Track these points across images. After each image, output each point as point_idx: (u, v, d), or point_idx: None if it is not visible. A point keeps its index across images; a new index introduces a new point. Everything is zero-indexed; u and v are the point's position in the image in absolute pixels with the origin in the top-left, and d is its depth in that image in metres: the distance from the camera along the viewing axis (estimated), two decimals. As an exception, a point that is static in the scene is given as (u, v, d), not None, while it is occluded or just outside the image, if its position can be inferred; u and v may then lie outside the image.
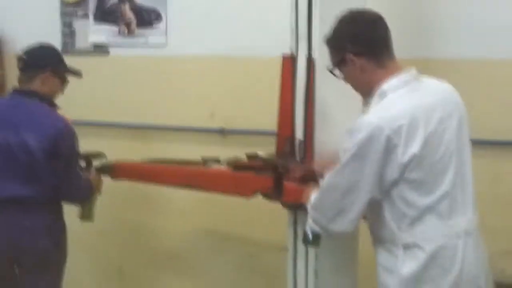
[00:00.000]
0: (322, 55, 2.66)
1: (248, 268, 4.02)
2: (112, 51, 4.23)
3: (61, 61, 3.16)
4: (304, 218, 2.50)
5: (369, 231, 2.36)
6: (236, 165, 2.98)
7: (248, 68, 3.84)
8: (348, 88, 2.66)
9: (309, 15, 2.71)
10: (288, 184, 2.66)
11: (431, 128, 2.13)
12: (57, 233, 3.11)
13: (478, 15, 3.31)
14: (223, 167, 3.10)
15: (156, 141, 4.14)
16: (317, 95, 2.71)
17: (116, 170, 3.38)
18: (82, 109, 4.21)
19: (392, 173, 2.10)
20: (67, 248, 3.24)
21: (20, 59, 3.10)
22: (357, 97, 2.66)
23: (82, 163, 3.38)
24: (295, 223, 2.80)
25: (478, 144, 3.12)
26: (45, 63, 3.06)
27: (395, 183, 2.12)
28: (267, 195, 2.86)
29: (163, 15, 4.03)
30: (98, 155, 3.48)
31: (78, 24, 4.28)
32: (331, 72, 2.37)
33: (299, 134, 2.78)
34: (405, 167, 2.09)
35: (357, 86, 2.34)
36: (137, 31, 4.11)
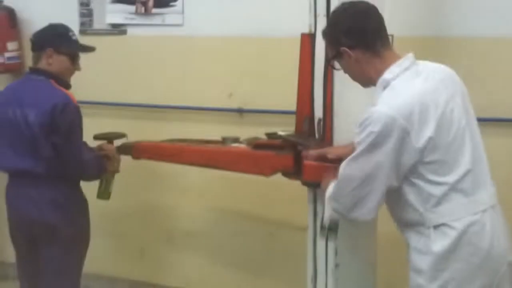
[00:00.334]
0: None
1: (268, 247, 4.05)
2: (129, 31, 4.24)
3: (64, 38, 3.17)
4: (323, 197, 2.50)
5: (391, 216, 2.38)
6: (256, 144, 2.99)
7: (266, 48, 3.83)
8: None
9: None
10: (308, 162, 2.66)
11: (440, 110, 2.14)
12: (67, 208, 3.15)
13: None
14: (242, 146, 3.11)
15: (174, 121, 4.16)
16: (335, 73, 2.70)
17: (136, 150, 3.39)
18: (99, 90, 4.24)
19: (409, 159, 2.12)
20: (85, 225, 3.29)
21: (30, 40, 3.22)
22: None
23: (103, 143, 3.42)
24: (315, 201, 2.80)
25: (491, 122, 3.14)
26: (45, 43, 3.13)
27: (414, 168, 2.14)
28: (287, 174, 2.88)
29: (179, -6, 4.03)
30: (120, 135, 3.51)
31: (95, 4, 4.29)
32: (330, 66, 2.42)
33: (318, 112, 2.77)
34: (422, 151, 2.11)
35: (355, 77, 2.36)
36: (154, 10, 4.10)
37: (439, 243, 2.17)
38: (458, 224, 2.16)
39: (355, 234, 2.78)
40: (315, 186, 2.71)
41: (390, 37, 2.33)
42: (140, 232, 4.41)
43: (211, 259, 4.25)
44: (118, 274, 4.50)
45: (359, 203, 2.20)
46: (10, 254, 4.61)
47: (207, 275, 4.27)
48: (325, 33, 2.37)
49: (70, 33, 3.20)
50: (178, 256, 4.34)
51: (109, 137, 3.47)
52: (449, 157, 2.15)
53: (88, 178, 3.29)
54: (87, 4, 4.30)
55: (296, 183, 2.83)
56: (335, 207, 2.33)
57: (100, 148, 3.38)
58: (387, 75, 2.21)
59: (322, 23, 2.72)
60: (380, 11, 2.31)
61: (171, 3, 4.06)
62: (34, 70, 3.16)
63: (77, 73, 3.24)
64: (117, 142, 3.50)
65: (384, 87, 2.21)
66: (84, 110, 3.20)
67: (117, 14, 4.21)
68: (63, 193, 3.14)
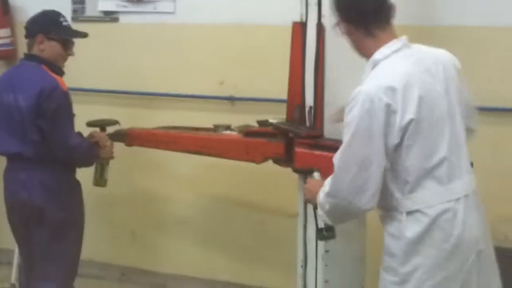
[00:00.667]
0: (332, 22, 2.69)
1: (259, 233, 4.08)
2: (121, 18, 4.24)
3: (55, 24, 3.19)
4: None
5: None
6: (247, 132, 3.02)
7: (257, 36, 3.85)
8: (357, 55, 2.71)
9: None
10: (299, 150, 2.69)
11: (424, 92, 2.16)
12: (57, 192, 3.18)
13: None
14: (234, 134, 3.14)
15: (166, 108, 4.17)
16: (327, 61, 2.73)
17: (129, 137, 3.42)
18: (91, 77, 4.25)
19: (393, 139, 2.13)
20: (77, 210, 3.31)
21: (24, 27, 3.26)
22: (366, 63, 2.69)
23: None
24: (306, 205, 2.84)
25: (480, 111, 3.17)
26: (36, 29, 3.17)
27: (396, 149, 2.15)
28: (278, 161, 2.91)
29: (171, -18, 4.04)
30: (112, 122, 3.54)
31: (87, -9, 4.29)
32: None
33: (309, 100, 2.80)
34: (404, 132, 2.13)
35: (352, 48, 2.37)
36: (146, -2, 4.12)
37: (412, 229, 2.20)
38: (431, 211, 2.19)
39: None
40: (306, 173, 2.73)
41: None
42: (132, 219, 4.44)
43: (202, 245, 4.28)
44: (109, 260, 4.53)
45: (360, 191, 2.16)
46: (3, 240, 4.65)
47: (198, 262, 4.29)
48: (330, 2, 2.38)
49: (61, 19, 3.22)
50: (170, 243, 4.37)
51: (102, 124, 3.50)
52: (427, 143, 2.17)
53: (78, 164, 3.31)
54: (80, -9, 4.30)
55: (287, 171, 2.87)
56: (334, 204, 2.24)
57: (91, 135, 3.41)
58: (377, 55, 2.23)
59: (313, 12, 2.75)
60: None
61: (163, -9, 4.07)
62: (28, 56, 3.20)
63: (69, 60, 3.26)
64: (110, 129, 3.53)
65: (373, 68, 2.23)
66: (75, 97, 3.22)
67: (109, 2, 4.21)
68: (53, 177, 3.17)
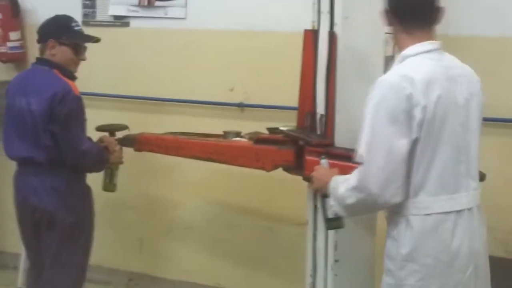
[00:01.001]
0: (344, 30, 2.67)
1: (266, 241, 4.06)
2: (132, 23, 4.24)
3: (66, 29, 3.20)
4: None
5: None
6: (257, 139, 3.01)
7: (268, 43, 3.84)
8: (369, 63, 2.70)
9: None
10: (310, 158, 2.68)
11: (444, 94, 2.14)
12: (68, 196, 3.18)
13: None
14: (244, 140, 3.12)
15: (175, 114, 4.17)
16: (338, 69, 2.71)
17: (138, 142, 3.42)
18: (101, 82, 4.25)
19: (413, 133, 2.12)
20: (87, 215, 3.31)
21: (36, 32, 3.27)
22: (377, 71, 2.68)
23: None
24: (315, 196, 2.81)
25: (489, 122, 3.16)
26: (47, 34, 3.18)
27: (414, 145, 2.13)
28: (288, 169, 2.89)
29: (182, -13, 4.03)
30: (122, 127, 3.53)
31: (98, -5, 4.30)
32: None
33: (320, 108, 2.79)
34: (420, 128, 2.11)
35: (391, 36, 2.39)
36: (157, 3, 4.11)
37: (410, 235, 2.19)
38: (431, 219, 2.18)
39: (355, 230, 2.79)
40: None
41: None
42: (139, 224, 4.43)
43: (210, 252, 4.27)
44: (116, 265, 4.52)
45: (388, 183, 2.12)
46: (10, 244, 4.67)
47: (206, 268, 4.28)
48: None
49: (73, 24, 3.23)
50: (177, 249, 4.36)
51: (111, 129, 3.50)
52: (436, 146, 2.16)
53: (89, 169, 3.31)
54: (91, -5, 4.31)
55: (296, 178, 2.85)
56: (358, 199, 2.19)
57: (100, 140, 3.40)
58: (407, 51, 2.23)
59: (325, 20, 2.73)
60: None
61: (174, -4, 4.07)
62: (40, 60, 3.21)
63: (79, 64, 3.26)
64: (119, 134, 3.52)
65: (400, 62, 2.24)
66: (86, 102, 3.22)
67: (120, 6, 4.22)
68: (64, 182, 3.16)
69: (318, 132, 2.80)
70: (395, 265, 2.23)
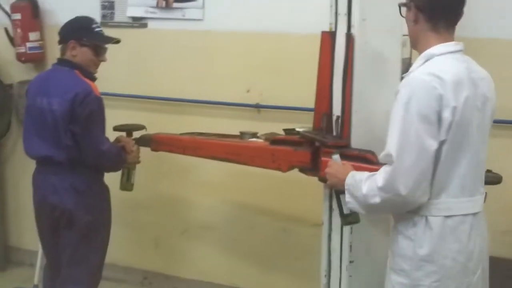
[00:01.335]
0: (362, 32, 2.68)
1: (282, 242, 4.07)
2: (150, 24, 4.27)
3: (87, 31, 3.23)
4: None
5: None
6: (274, 140, 3.02)
7: (285, 44, 3.85)
8: (386, 65, 2.70)
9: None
10: (325, 159, 2.68)
11: (470, 96, 2.15)
12: (87, 196, 3.21)
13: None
14: (260, 141, 3.14)
15: (192, 115, 4.18)
16: (355, 71, 2.72)
17: (155, 142, 3.44)
18: (119, 82, 4.28)
19: (441, 134, 2.11)
20: (105, 215, 3.36)
21: (58, 33, 3.30)
22: (394, 73, 2.69)
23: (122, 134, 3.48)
24: (330, 197, 2.82)
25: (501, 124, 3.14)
26: (68, 35, 3.22)
27: (440, 146, 2.13)
28: (304, 170, 2.90)
29: (200, -11, 4.06)
30: (139, 127, 3.57)
31: (117, -3, 4.33)
32: (399, 6, 2.37)
33: (336, 109, 2.80)
34: (448, 129, 2.11)
35: (409, 33, 2.36)
36: (175, 4, 4.13)
37: (430, 236, 2.19)
38: (451, 221, 2.19)
39: (370, 231, 2.80)
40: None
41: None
42: (155, 224, 4.46)
43: (225, 252, 4.28)
44: (132, 264, 4.56)
45: (417, 183, 2.11)
46: (26, 241, 4.71)
47: (221, 268, 4.30)
48: None
49: (94, 25, 3.26)
50: (192, 248, 4.37)
51: (128, 129, 3.54)
52: (460, 151, 2.16)
53: (108, 169, 3.35)
54: (109, -3, 4.35)
55: (312, 179, 2.86)
56: (384, 199, 2.17)
57: (117, 140, 3.44)
58: (434, 50, 2.22)
59: (343, 22, 2.74)
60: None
61: (192, -2, 4.09)
62: (61, 61, 3.24)
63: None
64: (136, 134, 3.55)
65: (426, 59, 2.22)
66: (103, 102, 3.24)
67: (138, 7, 4.24)
68: (83, 181, 3.20)
69: (334, 134, 2.80)
70: (411, 265, 2.23)
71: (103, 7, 4.35)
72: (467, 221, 2.21)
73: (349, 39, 2.70)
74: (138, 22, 4.28)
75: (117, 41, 3.33)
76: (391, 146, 2.15)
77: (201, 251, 4.36)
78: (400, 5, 2.36)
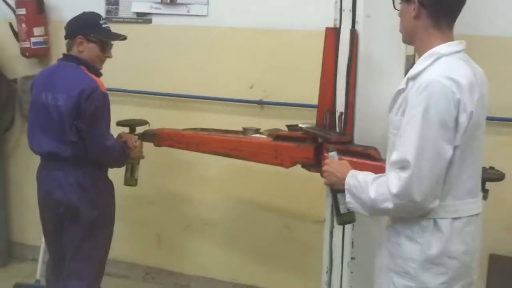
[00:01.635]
0: (366, 28, 2.68)
1: (282, 238, 4.08)
2: (154, 20, 4.27)
3: (94, 27, 3.23)
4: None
5: None
6: (277, 135, 3.02)
7: (288, 41, 3.85)
8: (390, 62, 2.69)
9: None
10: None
11: (480, 97, 2.13)
12: (91, 191, 3.22)
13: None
14: (263, 137, 3.14)
15: (195, 111, 4.18)
16: (359, 67, 2.72)
17: (158, 137, 3.45)
18: (123, 78, 4.27)
19: (457, 140, 2.09)
20: (108, 210, 3.36)
21: (64, 28, 3.30)
22: (399, 68, 2.68)
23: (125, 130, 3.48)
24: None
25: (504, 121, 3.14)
26: (75, 30, 3.22)
27: (454, 151, 2.10)
28: (306, 166, 2.91)
29: (205, -15, 4.06)
30: (142, 122, 3.57)
31: (121, -8, 4.34)
32: (393, 3, 2.31)
33: (340, 106, 2.80)
34: (464, 134, 2.09)
35: (404, 29, 2.29)
36: (179, 0, 4.13)
37: (438, 237, 2.17)
38: (458, 222, 2.18)
39: (371, 229, 2.80)
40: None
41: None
42: (157, 219, 4.46)
43: (227, 248, 4.29)
44: (134, 260, 4.56)
45: (431, 190, 2.08)
46: (29, 236, 4.72)
47: (223, 264, 4.31)
48: None
49: (101, 22, 3.27)
50: (195, 244, 4.38)
51: (132, 124, 3.54)
52: (469, 153, 2.14)
53: (112, 165, 3.36)
54: (114, -8, 4.35)
55: (314, 175, 2.86)
56: (397, 206, 2.12)
57: (119, 136, 3.45)
58: (440, 49, 2.16)
59: (347, 18, 2.74)
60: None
61: (197, -6, 4.10)
62: (67, 57, 3.24)
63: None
64: (139, 129, 3.56)
65: (433, 59, 2.15)
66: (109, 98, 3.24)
67: (143, 3, 4.24)
68: (88, 176, 3.21)
69: (338, 130, 2.81)
70: (418, 267, 2.20)
71: (108, 3, 4.34)
72: (472, 222, 2.21)
73: (353, 35, 2.70)
74: (143, 18, 4.28)
75: (124, 38, 3.33)
76: (408, 152, 2.07)
77: (203, 247, 4.36)
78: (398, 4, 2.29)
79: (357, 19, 2.72)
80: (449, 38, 2.21)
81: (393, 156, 2.14)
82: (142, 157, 3.51)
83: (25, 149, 3.37)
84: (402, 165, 2.09)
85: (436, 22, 2.18)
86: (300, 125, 3.01)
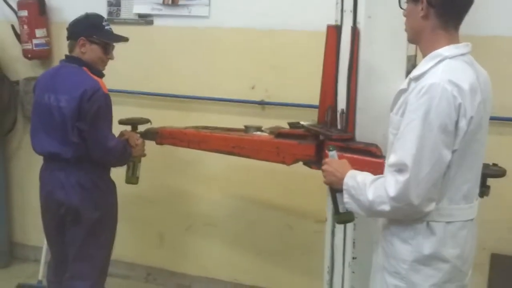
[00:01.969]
0: (367, 29, 2.69)
1: (284, 238, 4.08)
2: (156, 21, 4.28)
3: (97, 28, 3.24)
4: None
5: None
6: (278, 133, 3.03)
7: (290, 41, 3.86)
8: (391, 59, 2.69)
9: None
10: (330, 152, 2.69)
11: (482, 102, 2.12)
12: (93, 192, 3.23)
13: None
14: (265, 135, 3.15)
15: (197, 111, 4.19)
16: (360, 65, 2.72)
17: (160, 136, 3.45)
18: (125, 79, 4.29)
19: (456, 144, 2.08)
20: (110, 211, 3.36)
21: (66, 29, 3.31)
22: (400, 68, 2.68)
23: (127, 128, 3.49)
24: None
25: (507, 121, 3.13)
26: (78, 32, 3.22)
27: (452, 155, 2.09)
28: (308, 163, 2.91)
29: (206, -14, 4.07)
30: (144, 120, 3.58)
31: (123, -6, 4.35)
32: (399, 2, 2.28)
33: (341, 104, 2.80)
34: (463, 139, 2.08)
35: (409, 28, 2.26)
36: (181, 2, 4.14)
37: (430, 241, 2.16)
38: (451, 226, 2.17)
39: (373, 228, 2.79)
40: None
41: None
42: (159, 219, 4.46)
43: (229, 248, 4.29)
44: (136, 260, 4.56)
45: (429, 194, 2.07)
46: (31, 237, 4.72)
47: (224, 264, 4.31)
48: None
49: (104, 23, 3.28)
50: (196, 244, 4.38)
51: (133, 122, 3.55)
52: (466, 158, 2.13)
53: (114, 164, 3.37)
54: (115, -7, 4.37)
55: (316, 175, 2.85)
56: (395, 209, 2.10)
57: (121, 134, 3.45)
58: (444, 51, 2.14)
59: (348, 18, 2.75)
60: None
61: (198, -5, 4.11)
62: (69, 58, 3.25)
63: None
64: (141, 128, 3.57)
65: (437, 60, 2.13)
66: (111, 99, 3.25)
67: (145, 5, 4.26)
68: (90, 177, 3.21)
69: (339, 127, 2.81)
70: (409, 268, 2.20)
71: (109, 4, 4.36)
72: (466, 226, 2.20)
73: (355, 32, 2.71)
74: (144, 19, 4.29)
75: (126, 40, 3.34)
76: (407, 155, 2.06)
77: (205, 247, 4.36)
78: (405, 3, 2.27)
79: (358, 19, 2.72)
80: (455, 39, 2.19)
81: (391, 159, 2.12)
82: (144, 155, 3.51)
83: (27, 150, 3.38)
84: (400, 168, 2.08)
85: (444, 23, 2.16)
86: (302, 123, 3.01)
